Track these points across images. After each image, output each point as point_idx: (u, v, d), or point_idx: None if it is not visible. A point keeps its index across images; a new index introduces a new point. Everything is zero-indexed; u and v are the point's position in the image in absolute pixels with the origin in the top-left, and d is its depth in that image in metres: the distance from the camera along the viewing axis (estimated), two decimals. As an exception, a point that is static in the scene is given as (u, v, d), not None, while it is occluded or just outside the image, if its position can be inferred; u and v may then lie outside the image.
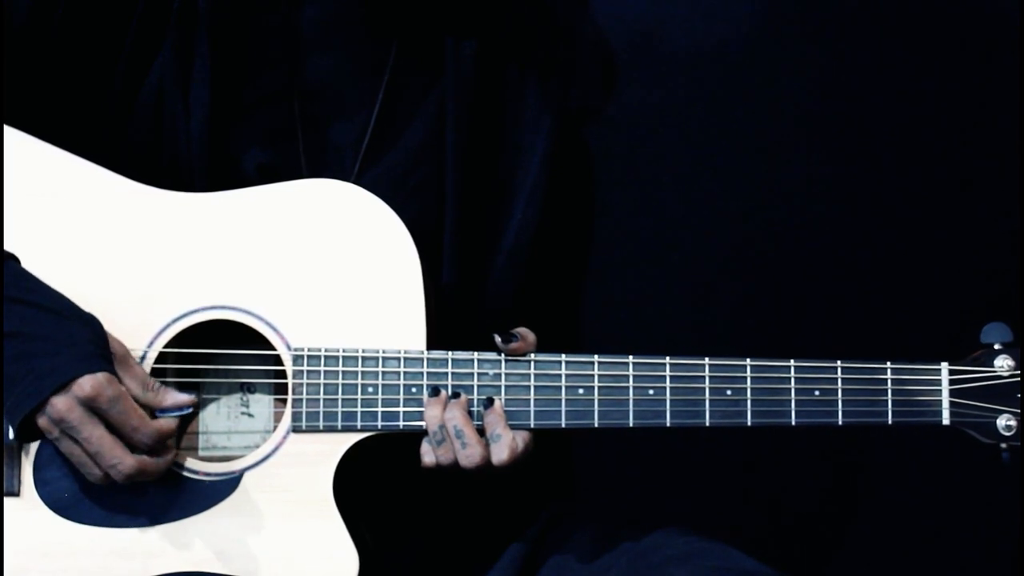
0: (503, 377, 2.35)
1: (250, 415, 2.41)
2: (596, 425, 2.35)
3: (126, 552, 2.31)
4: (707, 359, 2.36)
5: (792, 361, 2.36)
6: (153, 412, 2.29)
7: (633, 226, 2.94)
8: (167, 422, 2.29)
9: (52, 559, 2.30)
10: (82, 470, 2.27)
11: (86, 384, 2.23)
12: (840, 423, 2.36)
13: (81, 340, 2.25)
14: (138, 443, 2.26)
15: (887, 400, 2.37)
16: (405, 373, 2.34)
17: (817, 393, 2.36)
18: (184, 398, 2.31)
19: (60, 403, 2.23)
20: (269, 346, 2.35)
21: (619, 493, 2.98)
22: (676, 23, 2.93)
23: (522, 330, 2.36)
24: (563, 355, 2.36)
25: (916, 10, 2.95)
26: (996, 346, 2.38)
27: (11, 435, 2.28)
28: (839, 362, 2.37)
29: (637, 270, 2.94)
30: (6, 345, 2.23)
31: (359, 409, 2.34)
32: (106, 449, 2.24)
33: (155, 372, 2.33)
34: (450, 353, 2.35)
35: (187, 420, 2.36)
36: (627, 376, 2.35)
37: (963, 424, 2.38)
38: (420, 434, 2.34)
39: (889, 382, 2.37)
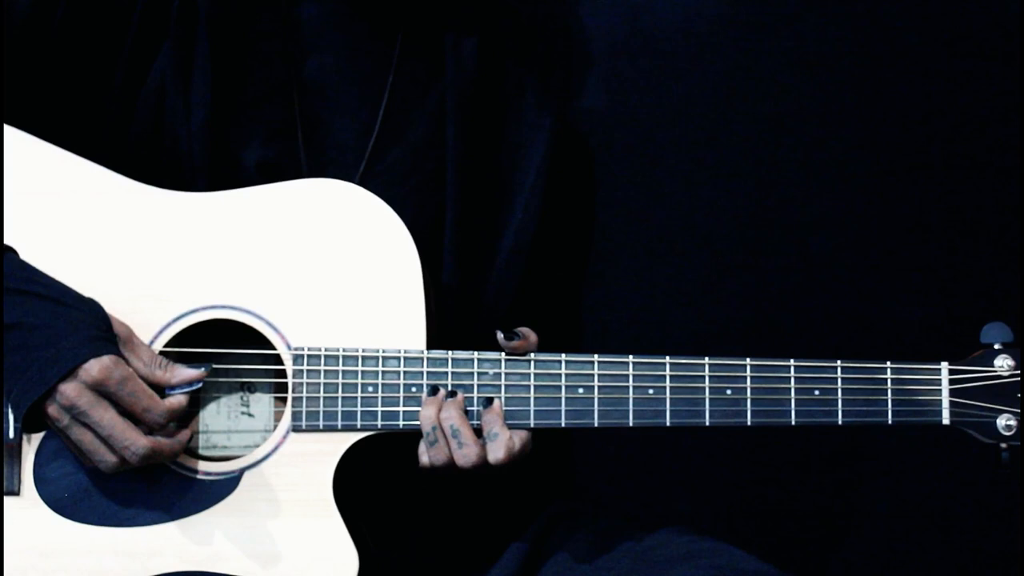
0: (503, 376, 2.35)
1: (250, 415, 2.41)
2: (596, 424, 2.35)
3: (126, 551, 2.31)
4: (707, 359, 2.36)
5: (792, 361, 2.36)
6: (163, 391, 2.29)
7: (633, 226, 2.94)
8: (178, 399, 2.28)
9: (52, 558, 2.30)
10: (94, 458, 2.26)
11: (93, 368, 2.22)
12: (840, 423, 2.37)
13: (84, 325, 2.25)
14: (150, 423, 2.25)
15: (887, 400, 2.37)
16: (405, 372, 2.34)
17: (817, 393, 2.36)
18: (194, 373, 2.29)
19: (69, 389, 2.22)
20: (269, 346, 2.35)
21: (619, 493, 2.98)
22: (677, 21, 2.93)
23: (524, 329, 2.36)
24: (563, 354, 2.36)
25: (917, 8, 2.95)
26: (996, 346, 2.39)
27: (11, 433, 2.28)
28: (839, 362, 2.37)
29: (637, 270, 2.94)
30: (8, 336, 2.23)
31: (359, 408, 2.34)
32: (118, 432, 2.23)
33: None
34: (450, 352, 2.35)
35: (190, 415, 2.36)
36: (627, 376, 2.35)
37: (963, 424, 2.38)
38: (420, 434, 2.34)
39: (889, 382, 2.37)
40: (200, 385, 2.30)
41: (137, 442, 2.24)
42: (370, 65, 2.51)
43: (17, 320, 2.24)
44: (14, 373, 2.23)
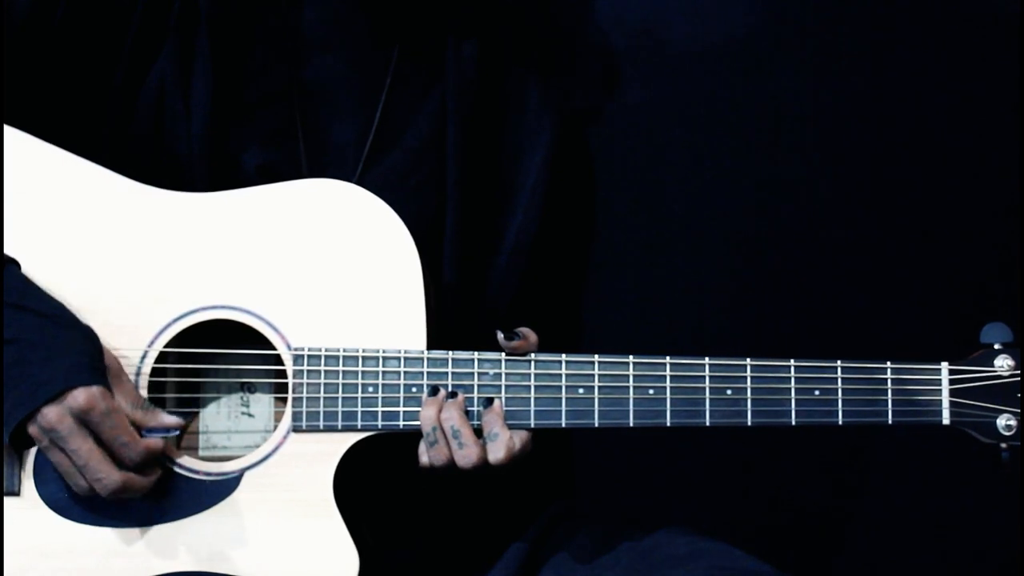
0: (503, 377, 2.35)
1: (250, 415, 2.41)
2: (596, 425, 2.35)
3: (126, 552, 2.31)
4: (707, 359, 2.36)
5: (792, 361, 2.36)
6: (140, 430, 2.29)
7: (633, 226, 2.94)
8: (156, 441, 2.28)
9: (52, 559, 2.30)
10: (68, 480, 2.26)
11: (80, 396, 2.22)
12: (840, 423, 2.37)
13: (78, 351, 2.25)
14: (126, 459, 2.25)
15: (887, 400, 2.37)
16: (405, 373, 2.34)
17: (817, 393, 2.36)
18: (172, 420, 2.29)
19: (51, 413, 2.22)
20: (269, 346, 2.35)
21: (619, 493, 2.98)
22: (677, 22, 2.93)
23: (524, 329, 2.36)
24: (563, 355, 2.36)
25: (917, 9, 2.95)
26: (996, 346, 2.39)
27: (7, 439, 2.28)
28: (839, 362, 2.37)
29: (637, 270, 2.94)
30: (4, 351, 2.23)
31: (359, 409, 2.34)
32: (94, 463, 2.23)
33: (155, 372, 2.34)
34: (450, 353, 2.35)
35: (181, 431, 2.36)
36: (627, 376, 2.35)
37: (963, 424, 2.38)
38: (420, 434, 2.34)
39: (889, 382, 2.37)
40: (177, 433, 2.30)
41: (110, 476, 2.24)
42: (370, 67, 2.51)
43: (14, 336, 2.23)
44: (6, 388, 2.22)
